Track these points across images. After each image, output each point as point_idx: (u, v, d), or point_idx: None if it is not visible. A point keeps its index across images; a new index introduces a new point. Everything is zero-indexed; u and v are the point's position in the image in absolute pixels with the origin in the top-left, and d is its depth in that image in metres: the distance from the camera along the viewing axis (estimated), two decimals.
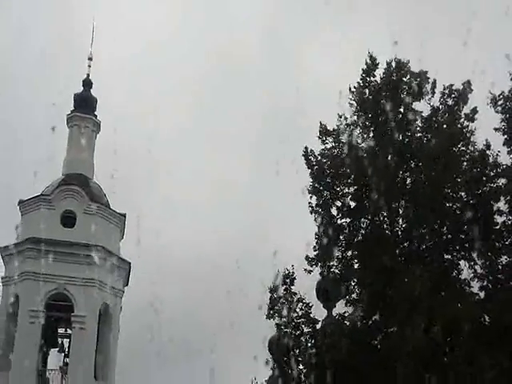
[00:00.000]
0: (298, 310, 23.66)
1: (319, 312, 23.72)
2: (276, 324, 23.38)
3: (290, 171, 23.79)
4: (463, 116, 23.04)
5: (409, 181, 23.16)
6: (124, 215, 32.90)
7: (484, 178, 21.81)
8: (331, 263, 23.88)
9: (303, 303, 23.48)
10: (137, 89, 61.27)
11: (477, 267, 21.52)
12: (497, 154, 21.92)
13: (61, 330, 32.90)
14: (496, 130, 21.81)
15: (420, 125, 23.52)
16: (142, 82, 62.90)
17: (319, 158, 24.47)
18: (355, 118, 24.40)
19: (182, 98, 61.06)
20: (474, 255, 21.54)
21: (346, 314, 23.36)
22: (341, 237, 24.00)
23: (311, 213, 23.64)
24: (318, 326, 23.36)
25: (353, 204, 23.90)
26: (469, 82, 22.98)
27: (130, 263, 32.32)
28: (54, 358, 32.23)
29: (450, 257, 22.15)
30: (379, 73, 24.19)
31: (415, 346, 18.59)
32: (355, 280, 23.62)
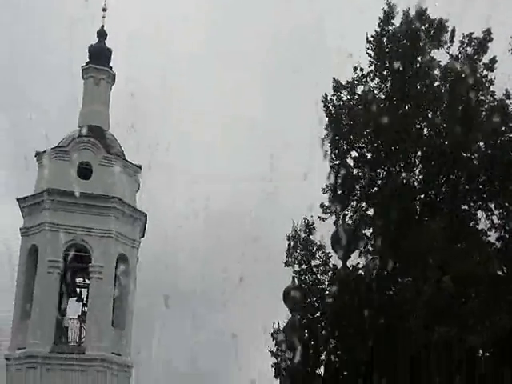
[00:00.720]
0: (316, 258, 23.81)
1: (338, 261, 23.87)
2: (294, 271, 23.54)
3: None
4: (482, 65, 22.72)
5: (426, 131, 22.99)
6: (140, 166, 33.01)
7: (503, 128, 21.60)
8: (346, 213, 23.88)
9: (323, 251, 23.59)
10: (150, 15, 59.85)
11: (494, 217, 21.46)
12: None
13: (79, 280, 33.47)
14: None
15: (438, 74, 23.23)
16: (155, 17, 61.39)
17: (336, 109, 24.31)
18: (372, 68, 24.13)
19: (194, 25, 59.96)
20: (492, 205, 21.48)
21: (361, 265, 23.45)
22: (356, 187, 23.95)
23: (325, 159, 23.53)
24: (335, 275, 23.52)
25: (369, 155, 23.78)
26: (489, 31, 22.63)
27: (146, 214, 32.57)
28: (73, 308, 32.81)
29: (466, 207, 22.09)
30: (397, 21, 23.84)
31: (428, 298, 18.66)
32: (370, 231, 23.64)
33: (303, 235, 23.32)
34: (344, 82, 24.06)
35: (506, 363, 17.44)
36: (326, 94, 23.97)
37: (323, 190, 23.63)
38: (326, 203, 23.69)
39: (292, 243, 23.24)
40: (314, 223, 23.42)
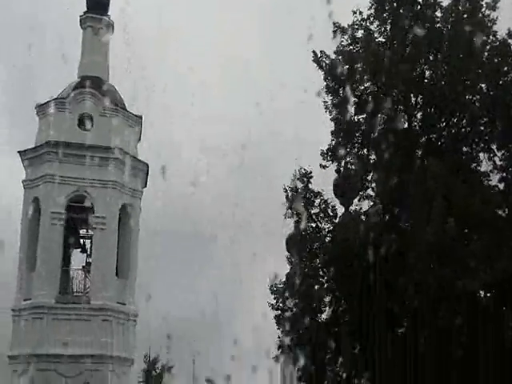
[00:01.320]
0: (316, 206, 23.75)
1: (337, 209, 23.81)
2: (295, 221, 23.51)
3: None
4: (484, 5, 22.31)
5: (427, 73, 22.69)
6: (140, 117, 32.81)
7: (505, 69, 21.30)
8: (347, 159, 23.75)
9: (321, 199, 23.52)
10: None
11: (496, 159, 21.32)
12: None
13: (82, 232, 33.61)
14: None
15: (439, 16, 22.83)
16: None
17: (333, 56, 23.96)
18: (372, 11, 23.71)
19: None
20: (494, 147, 21.32)
21: (363, 210, 23.39)
22: (357, 133, 23.78)
23: (326, 108, 23.35)
24: (336, 222, 23.50)
25: (369, 99, 23.51)
26: None
27: (147, 164, 32.47)
28: (77, 259, 33.00)
29: (469, 149, 21.94)
30: None
31: (431, 240, 18.63)
32: (372, 176, 23.53)
33: (301, 184, 23.24)
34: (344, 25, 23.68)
35: (506, 305, 17.46)
36: (314, 52, 23.53)
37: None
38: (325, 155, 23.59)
39: (290, 193, 23.17)
40: (311, 172, 23.33)
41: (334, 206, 23.19)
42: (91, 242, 31.93)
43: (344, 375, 21.78)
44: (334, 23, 23.74)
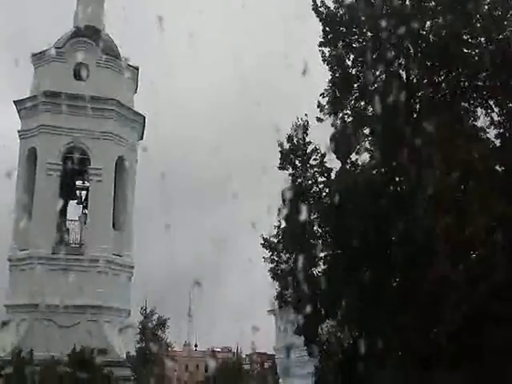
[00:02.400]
0: (312, 160, 23.67)
1: (333, 164, 23.74)
2: (290, 174, 23.45)
3: None
4: None
5: (427, 25, 22.37)
6: (137, 68, 32.56)
7: (505, 23, 21.02)
8: (344, 112, 23.59)
9: (317, 153, 23.44)
10: None
11: (493, 115, 21.17)
12: None
13: (78, 183, 33.61)
14: None
15: None
16: None
17: (332, 8, 23.60)
18: None
19: None
20: (491, 102, 21.15)
21: (360, 164, 23.31)
22: (355, 86, 23.56)
23: (324, 62, 23.07)
24: (333, 176, 23.44)
25: (368, 52, 23.24)
26: None
27: (144, 116, 32.31)
28: (73, 210, 33.07)
29: (466, 104, 21.77)
30: None
31: (434, 189, 18.61)
32: (369, 129, 23.39)
33: (297, 137, 23.12)
34: None
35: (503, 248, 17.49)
36: (315, 1, 23.18)
37: (322, 94, 23.28)
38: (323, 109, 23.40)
39: (286, 146, 23.07)
40: (308, 121, 23.21)
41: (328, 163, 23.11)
42: (87, 194, 31.96)
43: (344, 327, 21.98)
44: None
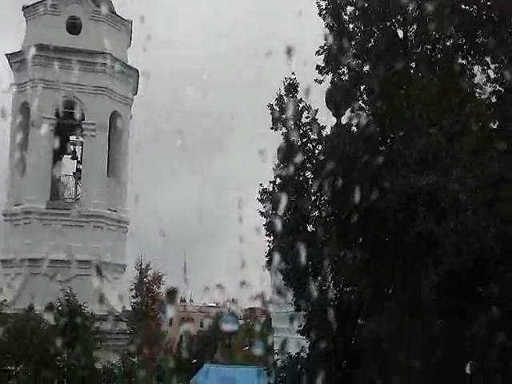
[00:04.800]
0: (304, 117, 23.55)
1: (329, 121, 23.62)
2: (283, 133, 23.36)
3: None
4: None
5: None
6: (130, 22, 32.16)
7: None
8: (341, 71, 23.38)
9: (309, 110, 23.30)
10: None
11: (490, 72, 20.98)
12: None
13: (72, 138, 33.41)
14: None
15: None
16: None
17: None
18: None
19: None
20: (488, 59, 20.95)
21: (354, 122, 23.20)
22: (352, 42, 23.29)
23: (320, 15, 22.77)
24: (326, 132, 23.36)
25: (365, 7, 22.93)
26: None
27: (138, 71, 32.03)
28: (68, 165, 33.00)
29: (463, 61, 21.56)
30: None
31: (419, 148, 18.61)
32: (365, 87, 23.21)
33: (288, 96, 22.95)
34: None
35: (488, 209, 17.49)
36: None
37: (318, 51, 23.01)
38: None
39: (278, 106, 22.91)
40: (296, 79, 23.01)
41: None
42: (82, 149, 31.84)
43: (331, 282, 22.15)
44: None
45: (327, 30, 23.12)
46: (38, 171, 29.62)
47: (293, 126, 22.97)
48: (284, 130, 23.26)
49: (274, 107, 23.20)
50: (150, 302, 30.48)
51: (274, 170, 23.05)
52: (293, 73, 23.07)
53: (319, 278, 21.63)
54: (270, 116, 23.23)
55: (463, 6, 21.29)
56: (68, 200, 31.41)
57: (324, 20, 23.16)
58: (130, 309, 29.88)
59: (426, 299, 17.32)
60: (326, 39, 23.09)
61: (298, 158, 23.02)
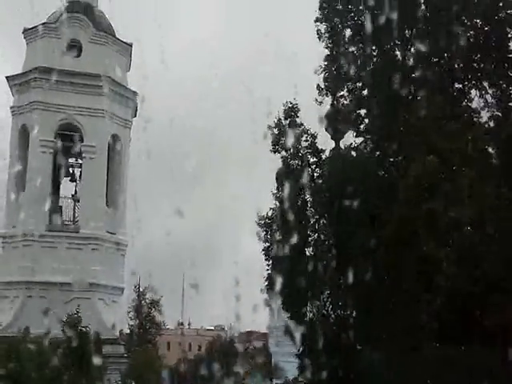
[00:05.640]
0: (303, 141, 23.62)
1: (328, 145, 23.72)
2: (282, 157, 23.42)
3: None
4: None
5: (423, 7, 22.26)
6: (130, 45, 32.24)
7: (500, 4, 20.90)
8: (341, 93, 23.52)
9: (308, 134, 23.38)
10: None
11: (487, 96, 21.13)
12: None
13: (72, 160, 33.33)
14: None
15: None
16: None
17: None
18: None
19: None
20: (486, 84, 21.09)
21: (354, 145, 23.30)
22: (352, 65, 23.44)
23: (319, 39, 22.94)
24: (324, 156, 23.43)
25: (364, 30, 23.07)
26: None
27: (137, 94, 32.07)
28: (67, 188, 32.93)
29: (461, 86, 21.71)
30: None
31: (416, 174, 18.66)
32: (364, 111, 23.34)
33: (288, 120, 23.03)
34: None
35: (489, 236, 17.58)
36: None
37: (316, 71, 23.17)
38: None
39: (277, 129, 23.00)
40: (297, 104, 23.11)
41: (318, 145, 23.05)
42: (80, 171, 31.80)
43: (329, 307, 22.10)
44: None
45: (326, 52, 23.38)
46: (36, 194, 29.48)
47: (292, 150, 23.05)
48: (283, 153, 23.35)
49: (274, 130, 23.30)
50: (148, 326, 30.35)
51: (272, 193, 23.10)
52: (294, 99, 23.17)
53: (317, 303, 21.56)
54: (270, 138, 23.33)
55: (460, 31, 21.50)
56: (66, 222, 31.29)
57: (323, 43, 23.36)
58: (127, 331, 29.72)
59: (424, 326, 17.30)
60: (325, 61, 23.29)
61: (297, 182, 23.07)
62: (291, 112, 23.09)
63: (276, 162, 23.07)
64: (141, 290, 42.38)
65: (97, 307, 28.84)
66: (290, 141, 23.00)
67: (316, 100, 23.42)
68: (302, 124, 23.06)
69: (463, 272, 16.70)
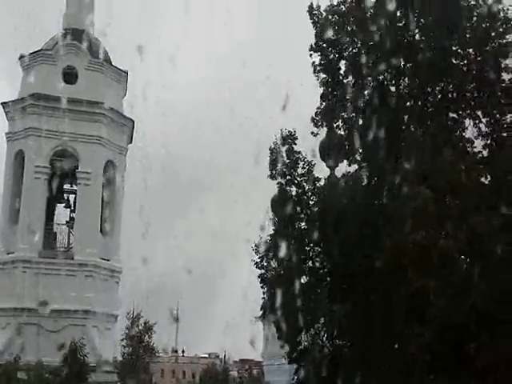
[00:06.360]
0: (300, 168, 23.65)
1: (323, 173, 23.77)
2: (278, 183, 23.44)
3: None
4: None
5: (417, 38, 22.43)
6: (126, 72, 32.45)
7: (493, 34, 21.08)
8: (336, 124, 23.62)
9: (305, 162, 23.42)
10: None
11: (481, 126, 21.21)
12: (507, 9, 21.04)
13: (66, 186, 33.46)
14: None
15: None
16: None
17: (324, 14, 23.58)
18: None
19: None
20: (479, 113, 21.20)
21: (349, 174, 23.34)
22: (346, 97, 23.56)
23: (314, 72, 23.06)
24: (320, 184, 23.45)
25: (359, 62, 23.26)
26: None
27: (132, 120, 32.23)
28: (61, 213, 32.93)
29: (454, 115, 21.81)
30: None
31: (408, 205, 18.67)
32: (359, 140, 23.42)
33: (285, 147, 23.09)
34: None
35: (480, 267, 17.58)
36: (311, 3, 23.21)
37: (316, 112, 23.32)
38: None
39: (274, 155, 23.03)
40: (295, 132, 23.18)
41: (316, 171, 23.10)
42: (75, 197, 31.83)
43: (324, 336, 22.01)
44: None
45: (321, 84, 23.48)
46: (30, 220, 29.54)
47: (288, 177, 23.07)
48: (279, 179, 23.36)
49: (271, 156, 23.34)
50: (141, 353, 30.21)
51: (267, 220, 23.07)
52: (293, 130, 23.24)
53: (312, 331, 21.47)
54: (267, 164, 23.36)
55: (454, 61, 21.66)
56: (61, 249, 31.28)
57: (318, 74, 23.47)
58: (120, 359, 29.58)
59: (416, 356, 17.26)
60: (320, 94, 23.41)
61: (293, 210, 23.08)
62: (288, 139, 23.13)
63: (272, 188, 23.06)
64: (134, 316, 42.23)
65: (90, 334, 28.74)
66: (286, 168, 23.02)
67: (312, 133, 23.47)
68: (299, 152, 23.09)
69: (454, 304, 16.67)
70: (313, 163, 23.27)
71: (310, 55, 23.43)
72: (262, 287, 23.45)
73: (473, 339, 16.85)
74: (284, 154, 23.02)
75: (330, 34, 23.35)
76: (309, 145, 23.50)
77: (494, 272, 16.75)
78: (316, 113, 23.48)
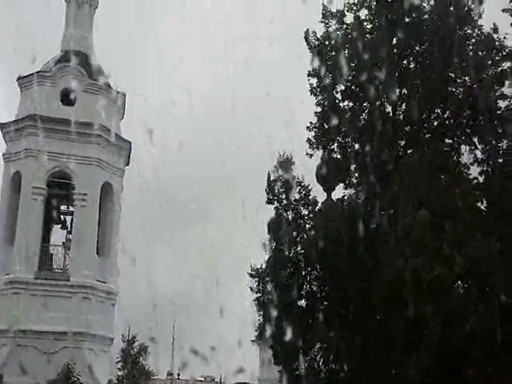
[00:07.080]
0: (296, 193, 23.80)
1: (319, 197, 23.90)
2: (275, 208, 23.57)
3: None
4: None
5: (413, 65, 22.73)
6: (124, 94, 32.61)
7: (489, 62, 21.38)
8: (332, 147, 23.80)
9: (302, 186, 23.58)
10: None
11: (477, 152, 21.46)
12: (504, 37, 21.35)
13: (63, 208, 33.44)
14: (504, 10, 21.08)
15: (427, 7, 22.78)
16: None
17: (321, 39, 23.85)
18: None
19: None
20: (475, 139, 21.45)
21: (346, 197, 23.50)
22: (342, 121, 23.77)
23: (311, 94, 23.29)
24: (317, 208, 23.59)
25: (354, 88, 23.51)
26: None
27: (130, 142, 32.34)
28: (57, 235, 32.91)
29: (450, 141, 22.06)
30: None
31: (406, 229, 18.83)
32: (355, 164, 23.59)
33: (281, 171, 23.27)
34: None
35: (476, 295, 17.72)
36: (307, 29, 23.51)
37: (308, 127, 23.53)
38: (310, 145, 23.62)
39: (271, 179, 23.21)
40: (292, 157, 23.36)
41: (314, 196, 23.27)
42: (72, 219, 31.86)
43: (320, 361, 22.05)
44: (323, 5, 23.67)
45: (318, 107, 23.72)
46: (27, 241, 29.53)
47: (285, 201, 23.22)
48: (276, 203, 23.50)
49: (268, 181, 23.49)
50: (136, 375, 30.12)
51: (264, 244, 23.16)
52: (291, 154, 23.43)
53: (308, 357, 21.51)
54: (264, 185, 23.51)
55: (449, 88, 21.93)
56: (57, 270, 31.20)
57: (315, 97, 23.70)
58: (115, 382, 29.48)
59: (414, 382, 17.33)
60: (316, 116, 23.62)
61: (289, 234, 23.19)
62: (286, 163, 23.33)
63: (269, 212, 23.20)
64: (129, 339, 42.05)
65: (86, 357, 28.66)
66: (282, 193, 23.18)
67: (307, 154, 23.67)
68: (295, 177, 23.28)
69: (452, 330, 16.79)
70: (309, 188, 23.49)
71: (308, 79, 23.75)
72: (258, 310, 23.52)
73: (471, 365, 16.94)
74: (281, 179, 23.23)
75: (326, 59, 23.67)
76: (307, 165, 23.73)
77: (492, 297, 16.88)
78: (312, 135, 23.75)
